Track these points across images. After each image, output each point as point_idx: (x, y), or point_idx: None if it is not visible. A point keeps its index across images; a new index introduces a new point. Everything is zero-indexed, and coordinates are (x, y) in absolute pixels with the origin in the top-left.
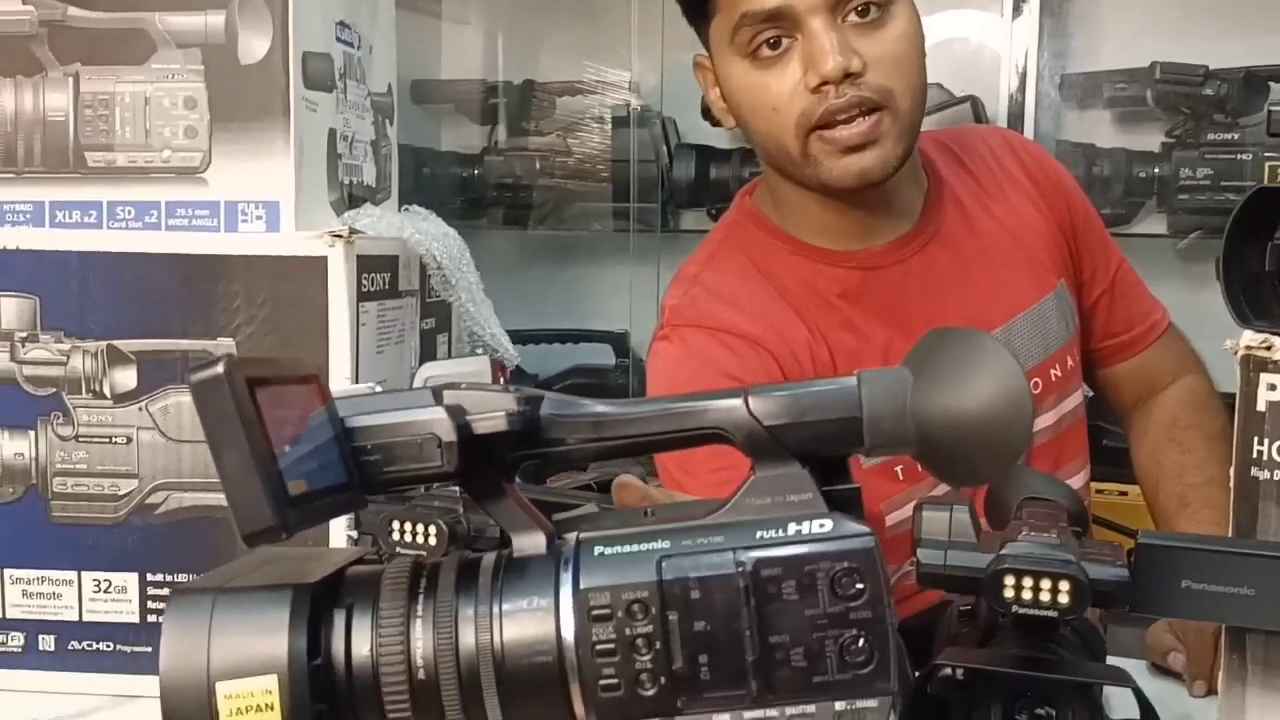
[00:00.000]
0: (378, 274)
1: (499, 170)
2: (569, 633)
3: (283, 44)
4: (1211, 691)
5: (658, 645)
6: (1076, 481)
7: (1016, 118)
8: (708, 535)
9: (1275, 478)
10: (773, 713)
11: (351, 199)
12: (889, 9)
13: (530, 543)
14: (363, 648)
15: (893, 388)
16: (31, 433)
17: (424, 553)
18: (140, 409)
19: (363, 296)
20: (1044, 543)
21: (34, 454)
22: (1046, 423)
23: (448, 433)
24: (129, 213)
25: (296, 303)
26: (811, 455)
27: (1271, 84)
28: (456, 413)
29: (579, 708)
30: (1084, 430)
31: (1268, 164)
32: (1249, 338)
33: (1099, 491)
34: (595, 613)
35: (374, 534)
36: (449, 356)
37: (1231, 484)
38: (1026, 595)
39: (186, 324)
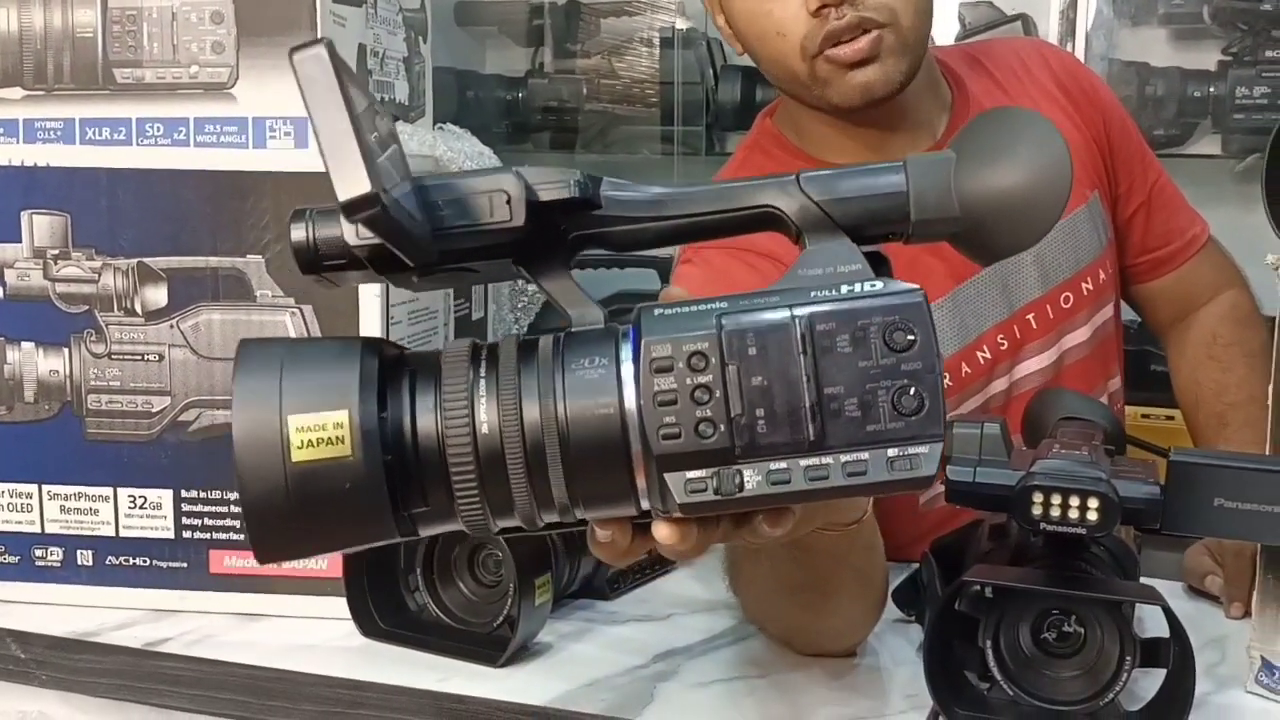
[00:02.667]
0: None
1: (544, 94)
2: (630, 386)
3: None
4: (1248, 614)
5: (717, 394)
6: (1111, 386)
7: (1068, 35)
8: (764, 297)
9: None
10: (827, 459)
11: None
12: None
13: (589, 316)
14: (427, 416)
15: (937, 166)
16: (65, 350)
17: None
18: (171, 326)
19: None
20: (1075, 459)
21: (68, 371)
22: (1081, 338)
23: (516, 189)
24: (158, 129)
25: None
26: (859, 232)
27: None
28: (523, 177)
29: (640, 474)
30: (1115, 342)
31: None
32: None
33: (1145, 416)
34: (657, 364)
35: None
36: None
37: (1270, 401)
38: (1055, 512)
39: (216, 241)
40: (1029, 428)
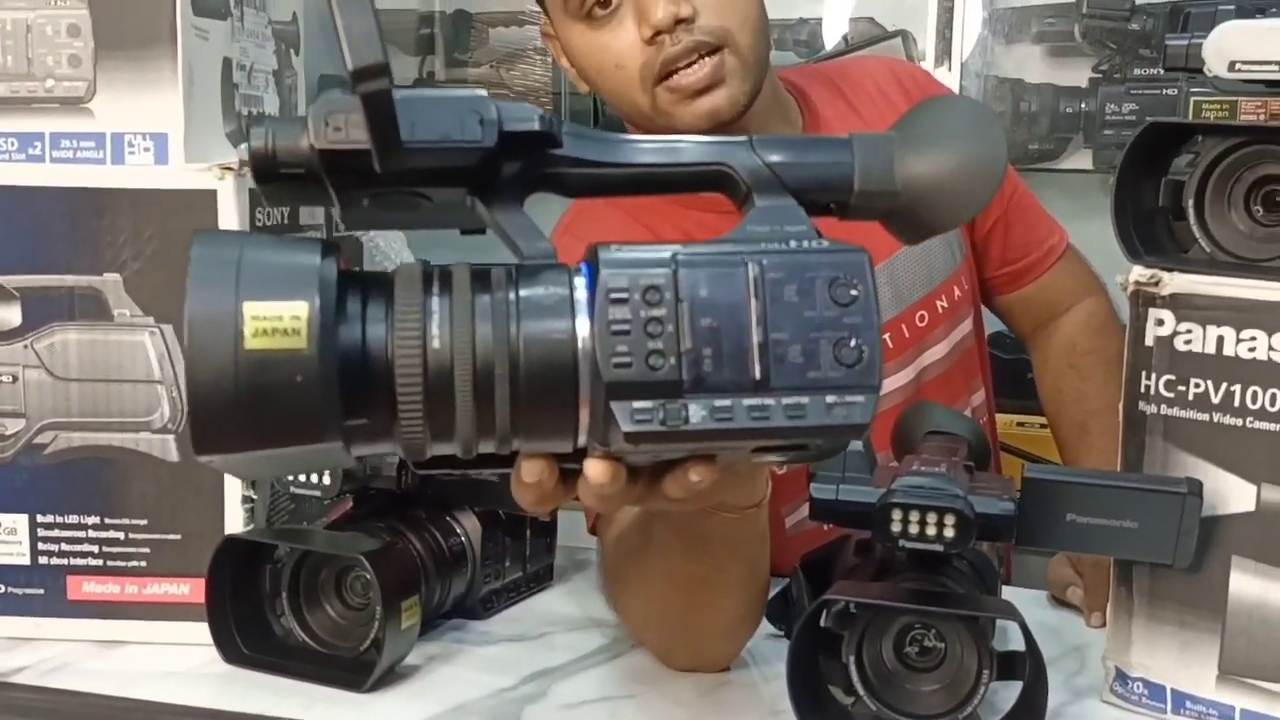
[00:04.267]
0: (276, 208)
1: None
2: (584, 313)
3: None
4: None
5: (669, 329)
6: (975, 400)
7: (944, 53)
8: (718, 244)
9: (1162, 412)
10: (769, 401)
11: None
12: None
13: (541, 250)
14: (377, 327)
15: (880, 143)
16: None
17: (319, 493)
18: (26, 346)
19: (258, 231)
20: (933, 476)
21: None
22: (939, 354)
23: (489, 111)
24: (12, 144)
25: (186, 237)
26: (804, 198)
27: (1190, 11)
28: (494, 101)
29: (584, 407)
30: (975, 354)
31: (1193, 99)
32: (1138, 273)
33: (1020, 424)
34: (613, 295)
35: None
36: None
37: (1120, 418)
38: (914, 529)
39: (72, 259)
40: (898, 441)
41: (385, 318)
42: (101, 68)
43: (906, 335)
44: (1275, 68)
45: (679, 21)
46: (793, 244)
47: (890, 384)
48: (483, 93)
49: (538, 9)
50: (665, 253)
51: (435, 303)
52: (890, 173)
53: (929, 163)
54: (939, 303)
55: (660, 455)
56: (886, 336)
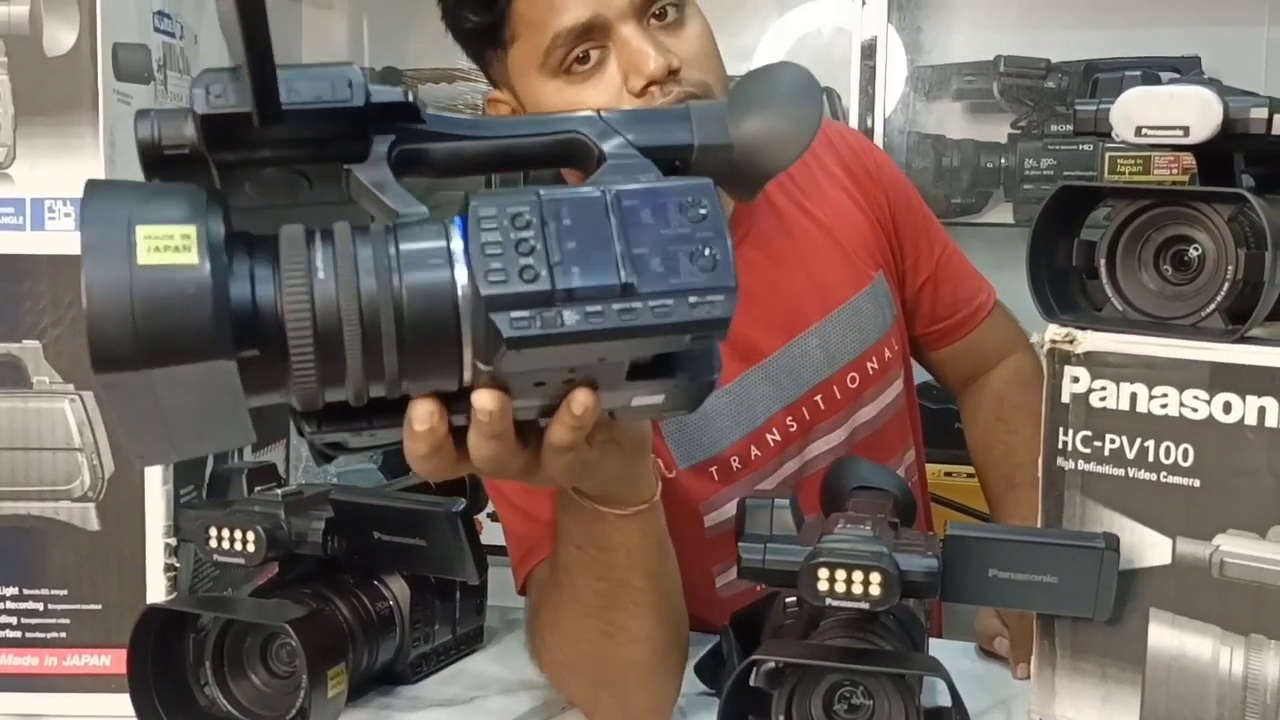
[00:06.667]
0: None
1: None
2: (458, 242)
3: (90, 35)
4: None
5: (538, 247)
6: (907, 459)
7: (868, 109)
8: (576, 186)
9: (1080, 467)
10: (637, 304)
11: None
12: (683, 10)
13: (416, 211)
14: (265, 285)
15: (713, 107)
16: None
17: (242, 560)
18: None
19: None
20: (858, 535)
21: None
22: (870, 414)
23: (358, 77)
24: None
25: None
26: (651, 157)
27: (1099, 77)
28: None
29: (466, 343)
30: (906, 414)
31: (1108, 154)
32: (1053, 331)
33: (948, 474)
34: (483, 222)
35: (192, 540)
36: None
37: (1040, 474)
38: (839, 588)
39: None
40: (826, 496)
41: (272, 275)
42: (21, 134)
43: (838, 397)
44: (1179, 132)
45: (670, 73)
46: (643, 178)
47: (823, 445)
48: (353, 64)
49: (470, 66)
50: (530, 191)
51: (319, 256)
52: (724, 128)
53: (756, 120)
54: (870, 364)
55: (539, 374)
56: (819, 399)
